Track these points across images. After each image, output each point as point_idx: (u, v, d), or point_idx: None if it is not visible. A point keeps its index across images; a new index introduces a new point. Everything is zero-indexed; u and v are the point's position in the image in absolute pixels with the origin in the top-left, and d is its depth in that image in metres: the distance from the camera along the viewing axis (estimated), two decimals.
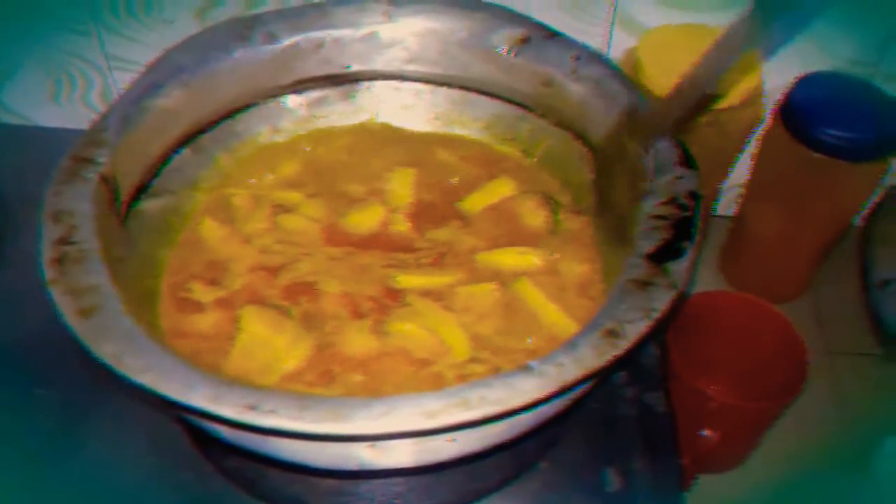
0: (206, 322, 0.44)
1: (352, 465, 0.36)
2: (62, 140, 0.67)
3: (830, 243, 0.63)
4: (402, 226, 0.50)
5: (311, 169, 0.54)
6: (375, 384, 0.41)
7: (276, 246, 0.49)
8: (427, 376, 0.41)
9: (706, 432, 0.52)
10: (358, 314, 0.44)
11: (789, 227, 0.62)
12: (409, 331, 0.43)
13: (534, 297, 0.45)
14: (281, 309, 0.44)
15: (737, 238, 0.68)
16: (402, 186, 0.52)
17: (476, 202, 0.52)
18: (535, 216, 0.50)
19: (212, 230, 0.49)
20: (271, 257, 0.48)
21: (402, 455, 0.36)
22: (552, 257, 0.47)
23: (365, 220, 0.50)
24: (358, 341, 0.43)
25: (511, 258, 0.48)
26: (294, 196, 0.52)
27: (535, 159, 0.54)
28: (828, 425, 0.59)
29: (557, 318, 0.44)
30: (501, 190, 0.52)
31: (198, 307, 0.45)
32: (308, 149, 0.55)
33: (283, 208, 0.51)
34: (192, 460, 0.46)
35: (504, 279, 0.46)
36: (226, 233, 0.49)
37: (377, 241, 0.49)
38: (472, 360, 0.42)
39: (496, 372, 0.41)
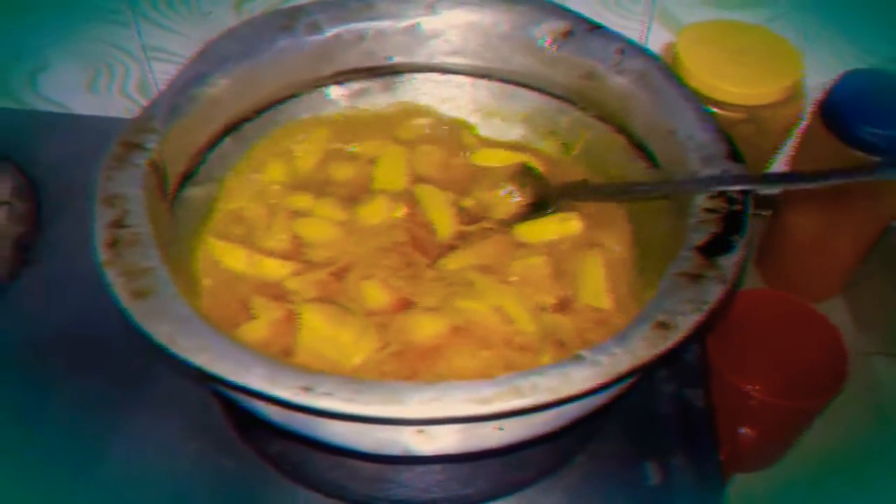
0: (258, 333, 0.43)
1: (397, 451, 0.36)
2: (99, 128, 0.70)
3: (868, 243, 0.63)
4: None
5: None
6: (446, 366, 0.41)
7: (305, 251, 0.48)
8: (496, 354, 0.42)
9: (744, 430, 0.52)
10: (410, 301, 0.45)
11: (827, 226, 0.62)
12: (472, 308, 0.44)
13: (591, 267, 0.46)
14: (338, 305, 0.44)
15: (774, 236, 0.67)
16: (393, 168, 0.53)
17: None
18: None
19: (233, 259, 0.47)
20: (302, 263, 0.47)
21: (447, 442, 0.36)
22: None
23: (376, 211, 0.50)
24: (424, 326, 0.43)
25: (554, 226, 0.48)
26: (304, 199, 0.51)
27: (574, 154, 0.54)
28: (864, 425, 0.59)
29: (600, 291, 0.45)
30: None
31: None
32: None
33: (299, 213, 0.50)
34: (234, 446, 0.46)
35: (552, 249, 0.47)
36: (244, 255, 0.47)
37: (403, 229, 0.49)
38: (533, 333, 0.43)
39: (559, 345, 0.42)
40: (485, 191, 0.51)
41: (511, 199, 0.51)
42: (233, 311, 0.44)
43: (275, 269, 0.46)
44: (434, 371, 0.41)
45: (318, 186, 0.52)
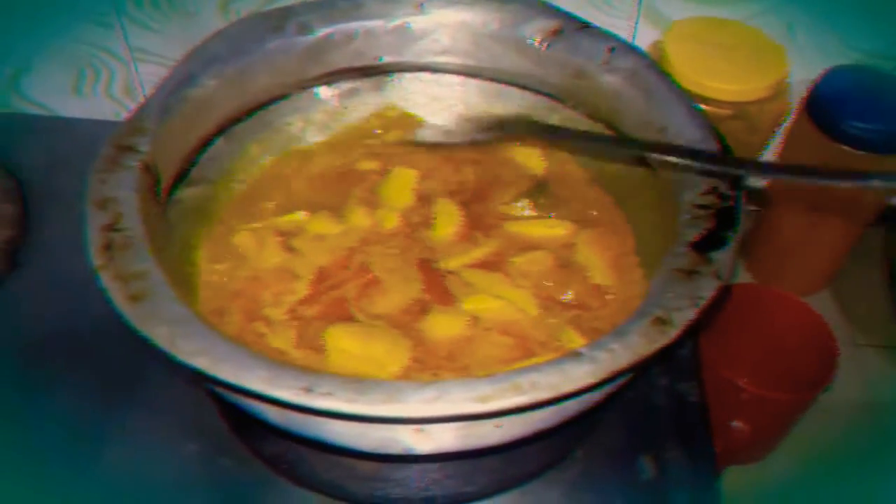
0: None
1: (397, 450, 0.36)
2: (85, 131, 0.69)
3: (855, 237, 0.63)
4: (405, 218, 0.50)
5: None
6: (471, 358, 0.42)
7: (300, 269, 0.47)
8: (516, 342, 0.43)
9: (737, 423, 0.52)
10: (423, 307, 0.45)
11: (814, 220, 0.63)
12: (484, 303, 0.44)
13: (590, 257, 0.47)
14: (357, 322, 0.44)
15: (762, 231, 0.68)
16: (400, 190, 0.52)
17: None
18: None
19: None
20: (303, 283, 0.46)
21: (447, 440, 0.36)
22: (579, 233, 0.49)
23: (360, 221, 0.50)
24: (443, 326, 0.43)
25: (540, 229, 0.49)
26: (295, 217, 0.50)
27: (566, 150, 0.54)
28: (854, 416, 0.59)
29: (606, 271, 0.47)
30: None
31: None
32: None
33: (291, 234, 0.49)
34: (232, 447, 0.46)
35: (554, 246, 0.48)
36: (237, 272, 0.47)
37: (398, 236, 0.49)
38: (546, 316, 0.44)
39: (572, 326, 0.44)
40: (498, 204, 0.51)
41: (523, 211, 0.51)
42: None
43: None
44: (459, 365, 0.42)
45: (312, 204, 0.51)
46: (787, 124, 0.62)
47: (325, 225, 0.50)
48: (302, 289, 0.46)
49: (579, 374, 0.32)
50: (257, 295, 0.45)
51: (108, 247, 0.37)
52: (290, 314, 0.44)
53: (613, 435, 0.47)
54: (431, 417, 0.32)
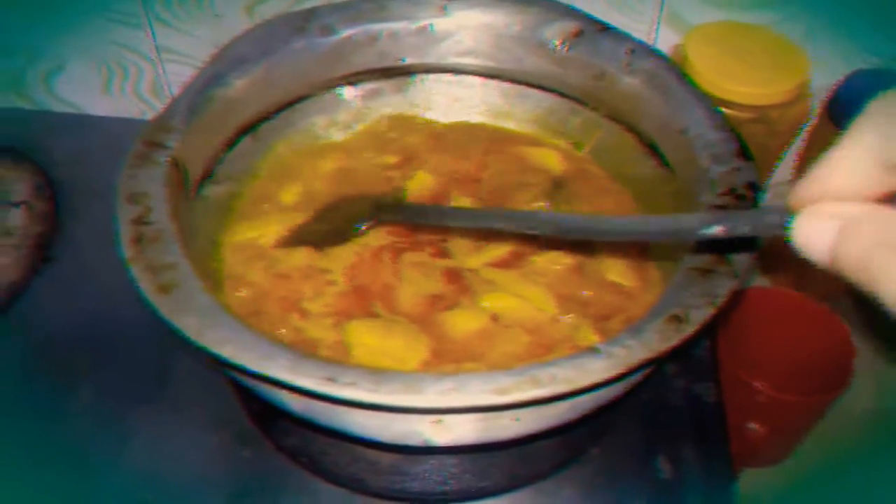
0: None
1: (416, 441, 0.37)
2: (113, 129, 0.71)
3: None
4: None
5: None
6: (492, 354, 0.43)
7: (328, 266, 0.48)
8: (535, 340, 0.43)
9: (753, 425, 0.53)
10: (443, 304, 0.45)
11: None
12: (503, 301, 0.45)
13: (608, 257, 0.48)
14: (378, 316, 0.45)
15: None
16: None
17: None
18: None
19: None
20: (325, 281, 0.47)
21: (465, 432, 0.37)
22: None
23: None
24: (463, 323, 0.44)
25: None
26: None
27: (586, 151, 0.55)
28: (872, 422, 0.59)
29: (623, 271, 0.47)
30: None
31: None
32: None
33: None
34: (253, 439, 0.47)
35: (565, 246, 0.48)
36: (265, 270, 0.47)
37: (419, 234, 0.50)
38: (563, 314, 0.45)
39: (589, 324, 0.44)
40: (517, 203, 0.52)
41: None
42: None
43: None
44: (478, 361, 0.42)
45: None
46: (808, 127, 0.62)
47: None
48: (330, 287, 0.47)
49: (596, 369, 0.33)
50: (287, 294, 0.46)
51: (138, 240, 0.38)
52: (324, 310, 0.45)
53: (629, 435, 0.47)
54: (450, 408, 0.32)
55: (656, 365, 0.35)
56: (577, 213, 0.48)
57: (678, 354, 0.34)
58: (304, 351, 0.35)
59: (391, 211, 0.49)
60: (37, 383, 0.51)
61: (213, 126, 0.48)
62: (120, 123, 0.73)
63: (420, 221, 0.48)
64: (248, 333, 0.34)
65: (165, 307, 0.35)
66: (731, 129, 0.45)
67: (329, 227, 0.49)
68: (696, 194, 0.43)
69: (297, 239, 0.48)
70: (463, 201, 0.52)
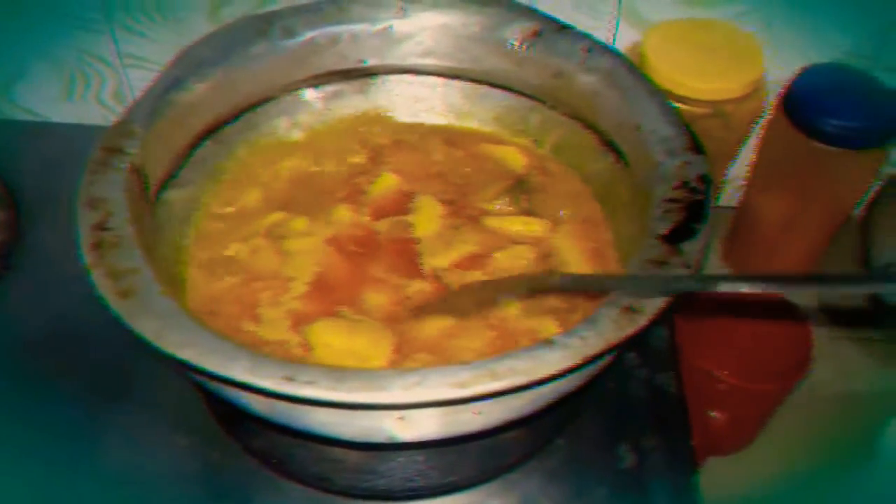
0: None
1: (380, 438, 0.37)
2: (76, 136, 0.70)
3: (832, 231, 0.65)
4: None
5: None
6: (454, 349, 0.43)
7: (289, 270, 0.48)
8: (499, 334, 0.44)
9: (714, 413, 0.54)
10: (408, 300, 0.46)
11: (792, 216, 0.64)
12: None
13: (570, 251, 0.48)
14: (341, 316, 0.45)
15: (740, 227, 0.69)
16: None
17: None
18: None
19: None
20: (290, 282, 0.47)
21: (428, 427, 0.37)
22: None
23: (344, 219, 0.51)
24: (427, 324, 0.44)
25: (517, 225, 0.50)
26: (279, 217, 0.51)
27: (547, 149, 0.56)
28: (833, 407, 0.60)
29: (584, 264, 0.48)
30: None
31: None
32: None
33: (278, 234, 0.50)
34: (220, 441, 0.47)
35: (535, 241, 0.50)
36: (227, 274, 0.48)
37: (383, 234, 0.51)
38: (527, 309, 0.45)
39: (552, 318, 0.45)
40: (480, 201, 0.53)
41: (504, 208, 0.52)
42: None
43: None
44: (443, 358, 0.43)
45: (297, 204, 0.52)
46: (763, 121, 0.63)
47: (310, 225, 0.51)
48: (293, 287, 0.47)
49: (553, 360, 0.33)
50: (247, 296, 0.46)
51: (98, 245, 0.38)
52: (284, 313, 0.45)
53: (593, 425, 0.48)
54: (411, 403, 0.33)
55: (614, 355, 0.36)
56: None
57: (635, 344, 0.35)
58: (265, 352, 0.36)
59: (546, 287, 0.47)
60: (0, 389, 0.51)
61: (174, 130, 0.48)
62: (82, 130, 0.73)
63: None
64: (209, 336, 0.34)
65: (126, 311, 0.35)
66: (683, 123, 0.46)
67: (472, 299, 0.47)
68: (651, 188, 0.44)
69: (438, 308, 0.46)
70: (427, 200, 0.52)
